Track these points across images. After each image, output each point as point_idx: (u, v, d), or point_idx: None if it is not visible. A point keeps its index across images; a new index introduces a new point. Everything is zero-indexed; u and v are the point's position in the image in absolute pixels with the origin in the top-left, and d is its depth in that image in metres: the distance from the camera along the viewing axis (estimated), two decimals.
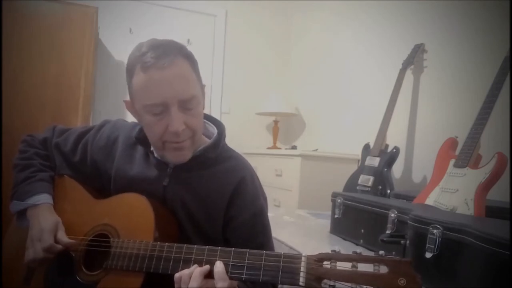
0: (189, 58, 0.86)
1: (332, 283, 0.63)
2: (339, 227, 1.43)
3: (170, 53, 0.81)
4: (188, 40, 3.24)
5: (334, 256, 0.65)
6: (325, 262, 0.65)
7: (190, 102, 0.84)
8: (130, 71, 0.85)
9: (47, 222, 0.91)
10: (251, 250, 0.72)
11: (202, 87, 0.91)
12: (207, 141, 0.96)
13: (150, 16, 3.13)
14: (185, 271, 0.73)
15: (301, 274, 0.66)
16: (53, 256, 0.89)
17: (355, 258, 0.64)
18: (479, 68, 1.79)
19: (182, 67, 0.83)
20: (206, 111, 1.03)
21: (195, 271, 0.72)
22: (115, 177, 0.97)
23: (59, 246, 0.89)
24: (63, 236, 0.91)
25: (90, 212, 0.95)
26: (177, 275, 0.73)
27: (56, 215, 0.96)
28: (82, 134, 1.06)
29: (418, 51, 2.08)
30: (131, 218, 0.88)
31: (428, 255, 0.89)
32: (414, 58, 2.07)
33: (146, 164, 0.96)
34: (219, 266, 0.71)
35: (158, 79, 0.80)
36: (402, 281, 0.60)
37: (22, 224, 0.96)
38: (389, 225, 1.13)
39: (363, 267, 0.63)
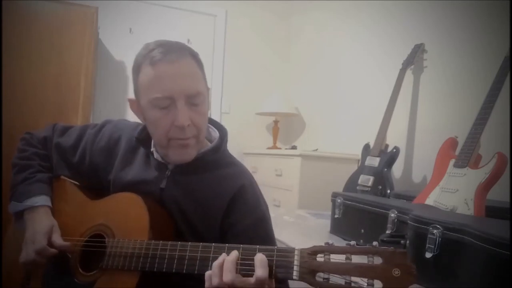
0: (196, 58, 0.88)
1: (326, 276, 0.63)
2: (339, 227, 1.43)
3: (178, 50, 0.84)
4: (188, 40, 3.24)
5: (328, 249, 0.65)
6: (319, 255, 0.65)
7: (196, 97, 0.85)
8: (136, 68, 0.86)
9: (41, 225, 0.91)
10: (245, 245, 0.71)
11: (208, 89, 0.92)
12: (209, 145, 0.95)
13: (150, 16, 3.13)
14: (215, 263, 0.68)
15: (295, 267, 0.65)
16: (46, 259, 0.88)
17: (349, 250, 0.63)
18: (479, 68, 1.79)
19: (189, 64, 0.85)
20: None
21: (226, 261, 0.67)
22: (113, 181, 0.97)
23: (52, 250, 0.88)
24: (57, 238, 0.90)
25: (86, 213, 0.95)
26: (207, 273, 0.69)
27: (52, 217, 0.95)
28: (83, 133, 1.05)
29: (418, 51, 2.07)
30: (126, 217, 0.87)
31: (428, 255, 0.89)
32: (414, 58, 2.07)
33: (146, 166, 0.95)
34: (260, 255, 0.67)
35: (166, 73, 0.82)
36: (396, 272, 0.59)
37: (21, 226, 0.96)
38: (389, 225, 1.13)
39: (358, 259, 0.63)
